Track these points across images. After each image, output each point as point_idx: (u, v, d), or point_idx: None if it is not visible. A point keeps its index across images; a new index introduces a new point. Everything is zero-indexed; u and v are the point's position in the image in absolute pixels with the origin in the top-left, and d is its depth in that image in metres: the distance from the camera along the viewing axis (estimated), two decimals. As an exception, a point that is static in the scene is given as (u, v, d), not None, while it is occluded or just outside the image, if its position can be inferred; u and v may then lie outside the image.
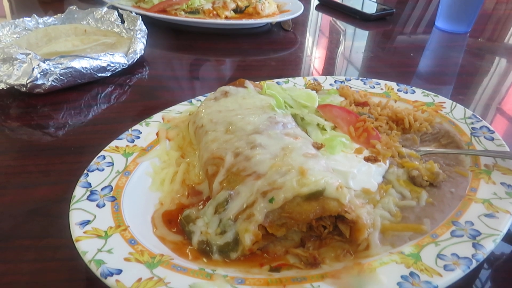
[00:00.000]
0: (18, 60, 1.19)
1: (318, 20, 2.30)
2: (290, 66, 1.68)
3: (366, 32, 2.11)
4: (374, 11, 2.23)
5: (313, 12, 2.37)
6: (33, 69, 1.19)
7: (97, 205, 0.78)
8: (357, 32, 2.11)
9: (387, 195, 0.84)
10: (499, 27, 2.36)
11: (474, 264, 0.67)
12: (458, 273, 0.66)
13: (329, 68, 1.71)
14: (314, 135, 0.96)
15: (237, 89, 1.06)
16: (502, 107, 1.42)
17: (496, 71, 1.72)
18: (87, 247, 0.68)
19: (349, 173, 0.85)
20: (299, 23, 2.09)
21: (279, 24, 2.01)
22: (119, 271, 0.65)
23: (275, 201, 0.72)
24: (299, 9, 1.99)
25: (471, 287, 0.75)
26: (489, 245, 0.70)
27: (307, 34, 2.09)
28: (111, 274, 0.64)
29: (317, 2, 2.47)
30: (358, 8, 2.27)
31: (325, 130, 0.97)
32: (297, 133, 0.90)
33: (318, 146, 0.88)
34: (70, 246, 0.70)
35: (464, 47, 1.95)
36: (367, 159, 0.90)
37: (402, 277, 0.65)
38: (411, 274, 0.66)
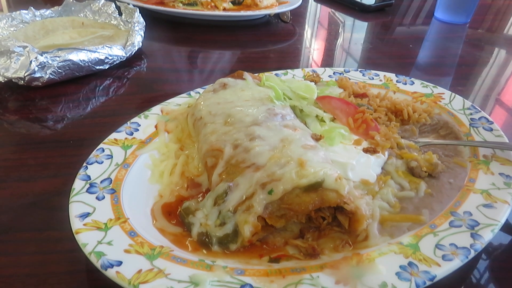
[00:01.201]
0: (16, 53, 1.19)
1: (316, 11, 2.29)
2: (289, 58, 1.68)
3: (365, 24, 2.10)
4: (373, 2, 2.21)
5: (311, 4, 2.35)
6: (30, 62, 1.19)
7: (97, 198, 0.78)
8: (356, 23, 2.10)
9: (386, 186, 0.85)
10: (499, 17, 2.35)
11: (473, 254, 0.68)
12: (456, 263, 0.66)
13: (328, 60, 1.70)
14: (313, 126, 0.96)
15: (236, 81, 1.05)
16: (501, 98, 1.42)
17: (495, 62, 1.72)
18: (87, 239, 0.69)
19: (348, 164, 0.85)
20: (298, 14, 2.08)
21: (277, 16, 2.00)
22: (119, 263, 0.65)
23: (274, 193, 0.72)
24: (298, 1, 1.98)
25: (468, 275, 0.76)
26: (488, 235, 0.71)
27: (306, 25, 2.08)
28: (111, 266, 0.64)
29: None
30: (358, -1, 2.26)
31: (324, 121, 0.97)
32: (296, 125, 0.90)
33: (317, 138, 0.88)
34: (70, 238, 0.71)
35: (463, 38, 1.95)
36: (366, 150, 0.90)
37: (400, 267, 0.66)
38: (410, 264, 0.66)
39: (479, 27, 2.10)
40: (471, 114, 1.07)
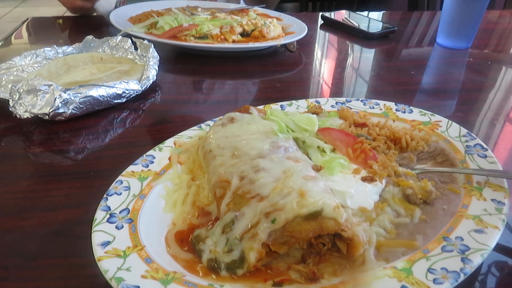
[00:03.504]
0: (42, 91, 1.29)
1: (322, 39, 2.37)
2: (295, 87, 1.75)
3: (369, 51, 2.17)
4: (378, 30, 2.28)
5: (319, 32, 2.43)
6: (55, 99, 1.29)
7: (116, 227, 0.85)
8: (360, 51, 2.17)
9: (383, 213, 0.90)
10: (502, 41, 2.40)
11: (462, 277, 0.72)
12: (446, 286, 0.71)
13: (332, 88, 1.77)
14: (315, 157, 1.02)
15: (243, 115, 1.13)
16: (504, 123, 1.46)
17: (497, 86, 1.77)
18: (108, 266, 0.75)
19: (346, 193, 0.91)
20: (304, 43, 2.16)
21: (284, 46, 2.10)
22: (137, 288, 0.72)
23: (277, 222, 0.78)
24: (303, 31, 2.08)
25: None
26: (477, 260, 0.75)
27: (312, 54, 2.16)
28: (130, 290, 0.71)
29: (321, 22, 2.54)
30: (363, 26, 2.33)
31: (325, 152, 1.03)
32: (298, 157, 0.97)
33: (317, 169, 0.95)
34: (91, 264, 0.78)
35: (465, 63, 2.00)
36: (364, 179, 0.96)
37: (394, 290, 0.71)
38: (403, 287, 0.71)
39: (481, 51, 2.15)
40: (466, 141, 1.12)
